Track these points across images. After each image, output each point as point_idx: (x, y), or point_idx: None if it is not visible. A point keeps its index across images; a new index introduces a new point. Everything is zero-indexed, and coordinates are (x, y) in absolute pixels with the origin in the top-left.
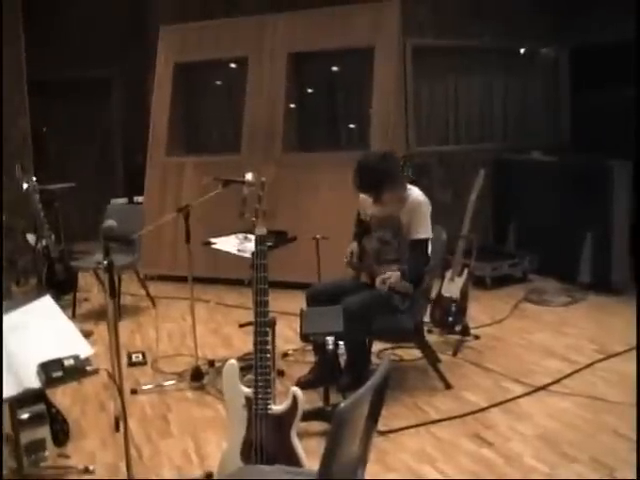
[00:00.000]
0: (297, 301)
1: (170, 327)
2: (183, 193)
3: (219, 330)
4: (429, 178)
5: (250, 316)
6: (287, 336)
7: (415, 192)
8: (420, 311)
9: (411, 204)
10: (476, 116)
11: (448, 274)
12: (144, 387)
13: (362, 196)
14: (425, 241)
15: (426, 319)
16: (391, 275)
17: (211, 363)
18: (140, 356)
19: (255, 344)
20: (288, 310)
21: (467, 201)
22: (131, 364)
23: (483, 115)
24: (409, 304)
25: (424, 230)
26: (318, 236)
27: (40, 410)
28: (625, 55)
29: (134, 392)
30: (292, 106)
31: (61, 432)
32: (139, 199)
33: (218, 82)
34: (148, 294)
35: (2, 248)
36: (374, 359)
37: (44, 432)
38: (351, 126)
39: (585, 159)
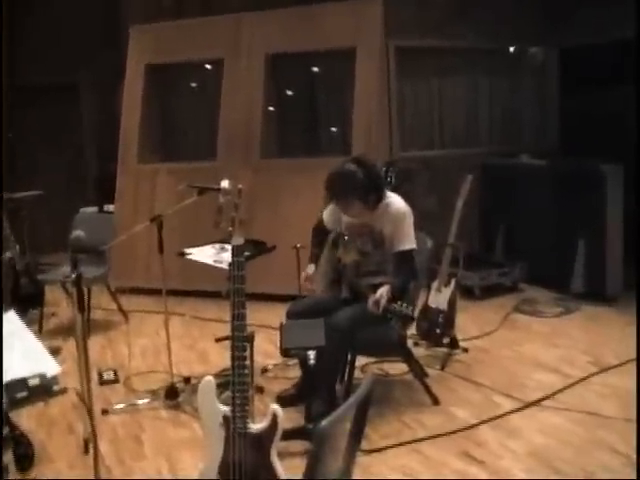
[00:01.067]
0: (277, 313)
1: (143, 343)
2: (156, 201)
3: (195, 345)
4: (413, 184)
5: (227, 330)
6: (266, 351)
7: (396, 201)
8: (405, 323)
9: (394, 215)
10: (462, 119)
11: (434, 284)
12: (116, 407)
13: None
14: (411, 252)
15: (412, 331)
16: (382, 293)
17: (187, 380)
18: (111, 374)
19: (233, 359)
20: (267, 323)
21: (453, 208)
22: (102, 382)
23: (469, 118)
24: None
25: (409, 240)
26: (298, 245)
27: (3, 433)
28: (615, 56)
29: (105, 412)
30: (270, 109)
31: (25, 457)
32: (110, 208)
33: (192, 84)
34: (120, 308)
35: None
36: (357, 373)
37: (7, 457)
38: (332, 130)
39: (576, 163)
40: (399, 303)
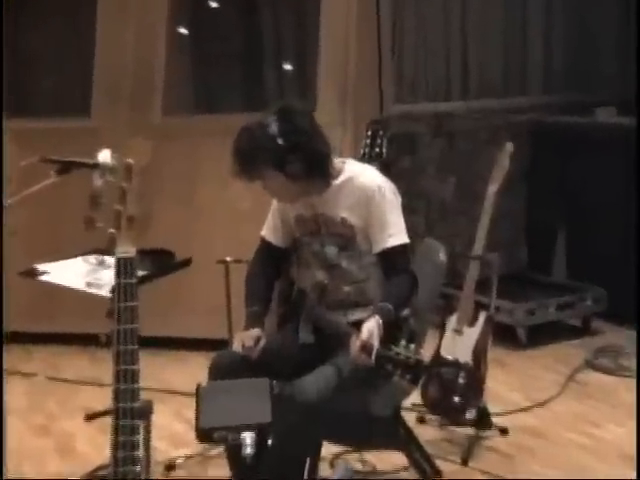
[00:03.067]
0: (192, 370)
1: None
2: None
3: (52, 426)
4: (416, 157)
5: (107, 399)
6: (174, 433)
7: (363, 173)
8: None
9: (359, 192)
10: (499, 52)
11: (451, 322)
12: None
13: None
14: (403, 249)
15: (414, 398)
16: (371, 330)
17: None
18: None
19: (115, 449)
20: (176, 386)
21: (482, 197)
22: None
23: (511, 50)
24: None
25: (396, 231)
26: (228, 259)
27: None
28: None
29: None
30: (182, 32)
31: None
32: None
33: None
34: None
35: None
36: (325, 468)
37: None
38: (286, 68)
39: None
40: (401, 343)
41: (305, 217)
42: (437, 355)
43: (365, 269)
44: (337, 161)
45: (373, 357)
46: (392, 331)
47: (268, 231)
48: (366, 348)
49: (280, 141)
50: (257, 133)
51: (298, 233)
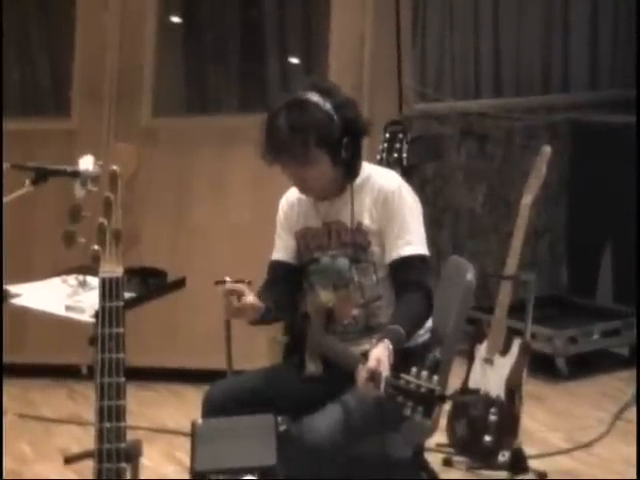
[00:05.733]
0: (186, 407)
1: None
2: None
3: (24, 471)
4: (441, 163)
5: (88, 440)
6: (166, 477)
7: (382, 174)
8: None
9: (377, 194)
10: (537, 46)
11: (481, 350)
12: None
13: (287, 202)
14: (422, 262)
15: (439, 438)
16: (380, 358)
17: None
18: None
19: None
20: (168, 425)
21: (516, 209)
22: None
23: (550, 44)
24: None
25: (416, 238)
26: (227, 279)
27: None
28: None
29: None
30: (174, 21)
31: None
32: None
33: None
34: None
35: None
36: None
37: None
38: (291, 61)
39: None
40: (413, 370)
41: (313, 230)
42: (465, 387)
43: (378, 286)
44: None
45: (382, 387)
46: (404, 358)
47: (278, 252)
48: (374, 377)
49: (336, 120)
50: (311, 109)
51: (304, 250)
